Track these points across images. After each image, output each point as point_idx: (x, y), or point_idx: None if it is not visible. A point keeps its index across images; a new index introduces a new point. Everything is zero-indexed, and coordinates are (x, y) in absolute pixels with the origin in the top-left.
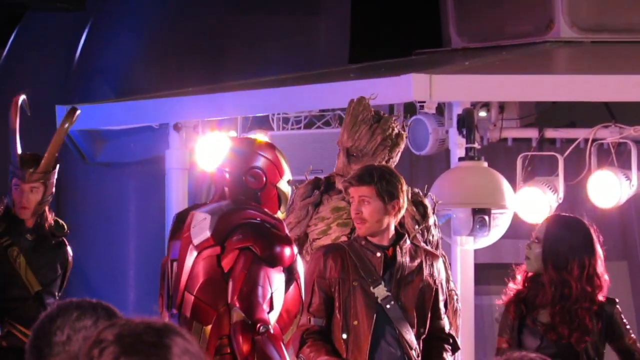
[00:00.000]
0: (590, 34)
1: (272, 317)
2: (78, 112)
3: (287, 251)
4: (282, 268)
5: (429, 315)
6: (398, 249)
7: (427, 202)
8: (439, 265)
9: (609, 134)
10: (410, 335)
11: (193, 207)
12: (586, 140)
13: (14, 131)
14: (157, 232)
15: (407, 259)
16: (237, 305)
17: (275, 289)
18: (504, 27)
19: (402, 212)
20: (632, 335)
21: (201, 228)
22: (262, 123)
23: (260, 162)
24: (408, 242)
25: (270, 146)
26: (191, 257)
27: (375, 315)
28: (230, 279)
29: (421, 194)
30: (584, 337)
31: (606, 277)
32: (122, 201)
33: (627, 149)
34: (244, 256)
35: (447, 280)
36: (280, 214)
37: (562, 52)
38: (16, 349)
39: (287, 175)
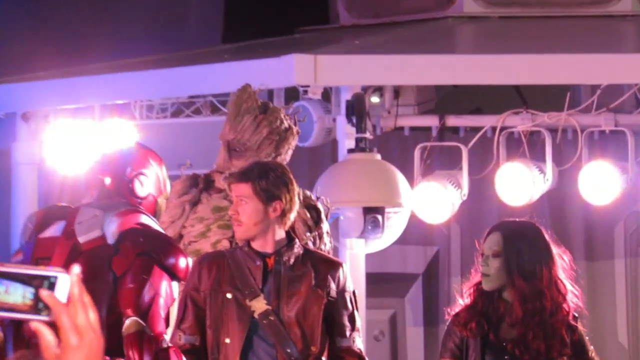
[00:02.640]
0: (498, 7)
1: (169, 333)
2: None
3: (184, 263)
4: (177, 281)
5: (324, 331)
6: (278, 256)
7: (320, 206)
8: (340, 274)
9: (520, 122)
10: (293, 355)
11: (65, 206)
12: (494, 129)
13: None
14: (1, 232)
15: (291, 267)
16: (134, 314)
17: (173, 302)
18: (399, 1)
19: (291, 215)
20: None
21: (91, 225)
22: (123, 111)
23: (147, 170)
24: (296, 248)
25: (159, 157)
26: (71, 256)
27: (247, 332)
28: (122, 285)
29: (313, 197)
30: (563, 350)
31: (567, 282)
32: None
33: (540, 138)
34: (143, 262)
35: None
36: None
37: (465, 28)
38: None
39: (167, 192)
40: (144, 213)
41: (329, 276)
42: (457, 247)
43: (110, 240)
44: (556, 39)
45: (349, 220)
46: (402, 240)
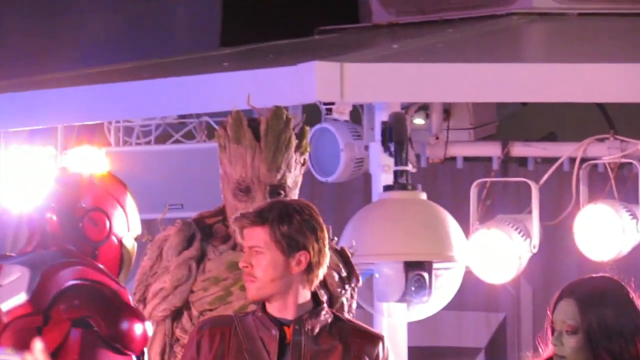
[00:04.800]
0: (577, 2)
1: None
2: None
3: (138, 330)
4: (131, 356)
5: None
6: (299, 325)
7: (348, 253)
8: (379, 351)
9: (606, 151)
10: None
11: None
12: (572, 161)
13: None
14: None
15: (315, 339)
16: None
17: None
18: None
19: (320, 271)
20: None
21: (14, 288)
22: (95, 135)
23: (104, 204)
24: (323, 315)
25: (121, 183)
26: None
27: None
28: None
29: (336, 241)
30: None
31: None
32: None
33: (632, 173)
34: (78, 332)
35: None
36: None
37: (535, 29)
38: None
39: (136, 228)
40: (89, 266)
41: (364, 354)
42: (529, 313)
43: (38, 306)
44: None
45: (386, 279)
46: (458, 305)
